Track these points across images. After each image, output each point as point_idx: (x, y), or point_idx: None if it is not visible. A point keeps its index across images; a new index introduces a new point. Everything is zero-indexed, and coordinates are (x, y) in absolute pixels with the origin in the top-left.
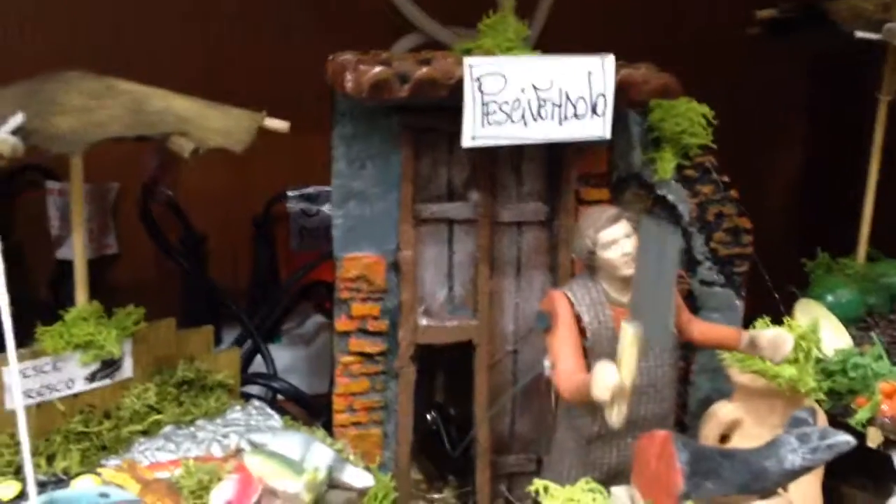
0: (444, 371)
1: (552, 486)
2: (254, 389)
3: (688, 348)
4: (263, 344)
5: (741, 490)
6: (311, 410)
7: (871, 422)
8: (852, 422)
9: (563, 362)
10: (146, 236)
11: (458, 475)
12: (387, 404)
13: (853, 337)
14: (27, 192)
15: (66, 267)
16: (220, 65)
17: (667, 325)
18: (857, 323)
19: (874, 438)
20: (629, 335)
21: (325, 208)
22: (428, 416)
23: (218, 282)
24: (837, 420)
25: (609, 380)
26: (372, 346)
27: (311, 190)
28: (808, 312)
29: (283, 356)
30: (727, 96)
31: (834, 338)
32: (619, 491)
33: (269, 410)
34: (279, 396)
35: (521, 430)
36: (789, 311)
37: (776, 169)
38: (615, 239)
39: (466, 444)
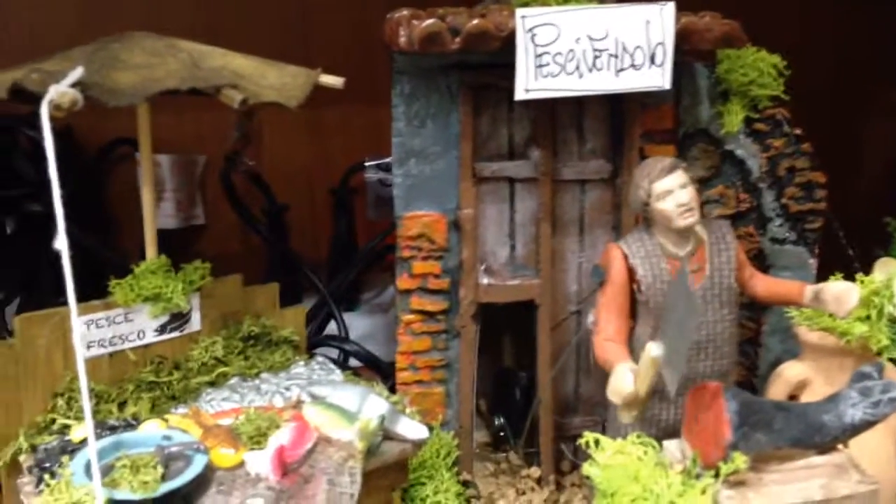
0: (511, 334)
1: (602, 438)
2: (331, 354)
3: (757, 309)
4: (337, 308)
5: (796, 443)
6: (382, 372)
7: None
8: None
9: (602, 325)
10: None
11: (524, 438)
12: (449, 363)
13: None
14: (119, 165)
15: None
16: (303, 36)
17: (680, 370)
18: None
19: None
20: (652, 356)
21: None
22: (496, 421)
23: (298, 251)
24: None
25: (624, 389)
26: (433, 304)
27: (388, 160)
28: (887, 271)
29: (362, 324)
30: (828, 50)
31: None
32: (670, 444)
33: (331, 366)
34: (353, 361)
35: (586, 393)
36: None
37: (877, 130)
38: (670, 189)
39: (533, 412)
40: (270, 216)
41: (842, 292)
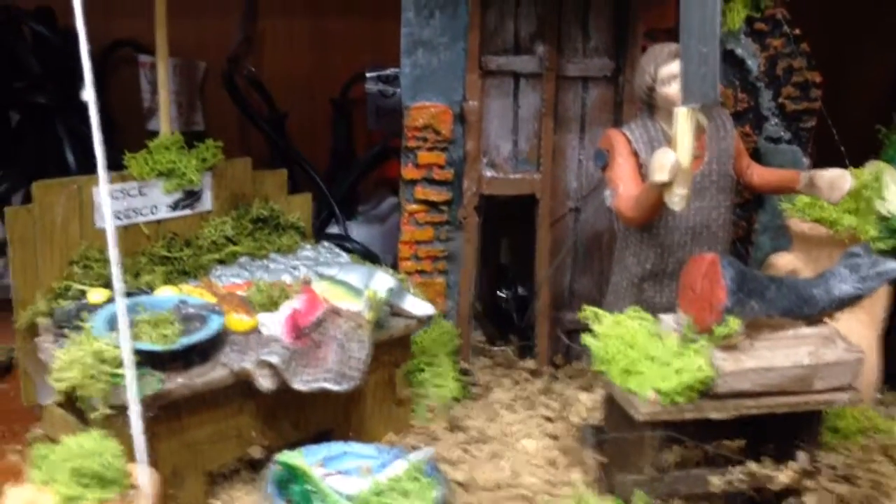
0: (510, 236)
1: (601, 312)
2: None
3: (749, 208)
4: (337, 208)
5: (786, 313)
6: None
7: None
8: None
9: (622, 186)
10: (231, 115)
11: (520, 334)
12: (451, 255)
13: None
14: (120, 67)
15: (156, 137)
16: None
17: (715, 82)
18: None
19: None
20: (681, 114)
21: None
22: (501, 294)
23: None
24: None
25: (666, 159)
26: (437, 194)
27: (388, 72)
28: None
29: (360, 232)
30: None
31: None
32: (666, 317)
33: (337, 250)
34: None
35: (581, 289)
36: None
37: (879, 50)
38: (675, 74)
39: (529, 304)
40: (271, 123)
41: (835, 177)
